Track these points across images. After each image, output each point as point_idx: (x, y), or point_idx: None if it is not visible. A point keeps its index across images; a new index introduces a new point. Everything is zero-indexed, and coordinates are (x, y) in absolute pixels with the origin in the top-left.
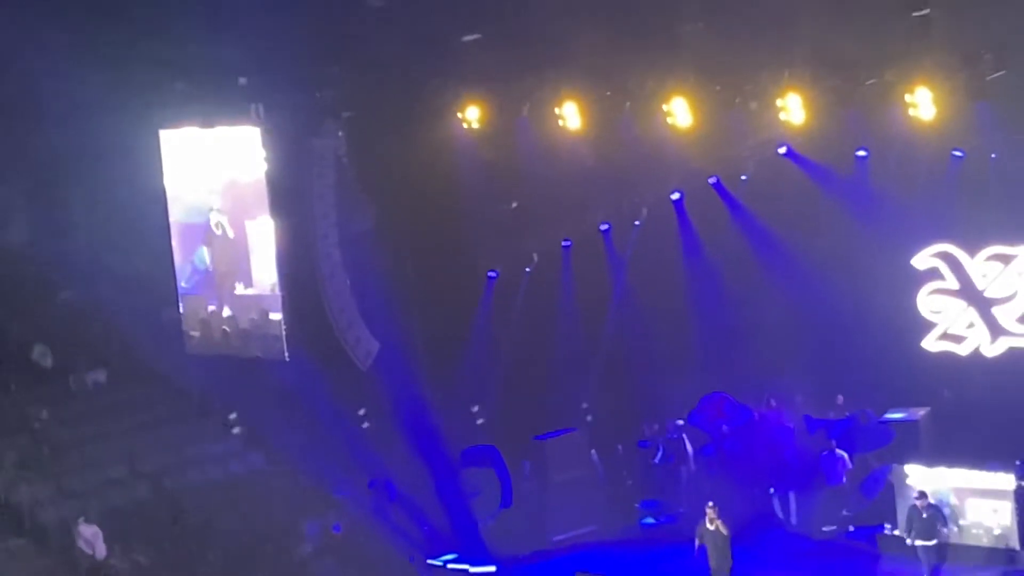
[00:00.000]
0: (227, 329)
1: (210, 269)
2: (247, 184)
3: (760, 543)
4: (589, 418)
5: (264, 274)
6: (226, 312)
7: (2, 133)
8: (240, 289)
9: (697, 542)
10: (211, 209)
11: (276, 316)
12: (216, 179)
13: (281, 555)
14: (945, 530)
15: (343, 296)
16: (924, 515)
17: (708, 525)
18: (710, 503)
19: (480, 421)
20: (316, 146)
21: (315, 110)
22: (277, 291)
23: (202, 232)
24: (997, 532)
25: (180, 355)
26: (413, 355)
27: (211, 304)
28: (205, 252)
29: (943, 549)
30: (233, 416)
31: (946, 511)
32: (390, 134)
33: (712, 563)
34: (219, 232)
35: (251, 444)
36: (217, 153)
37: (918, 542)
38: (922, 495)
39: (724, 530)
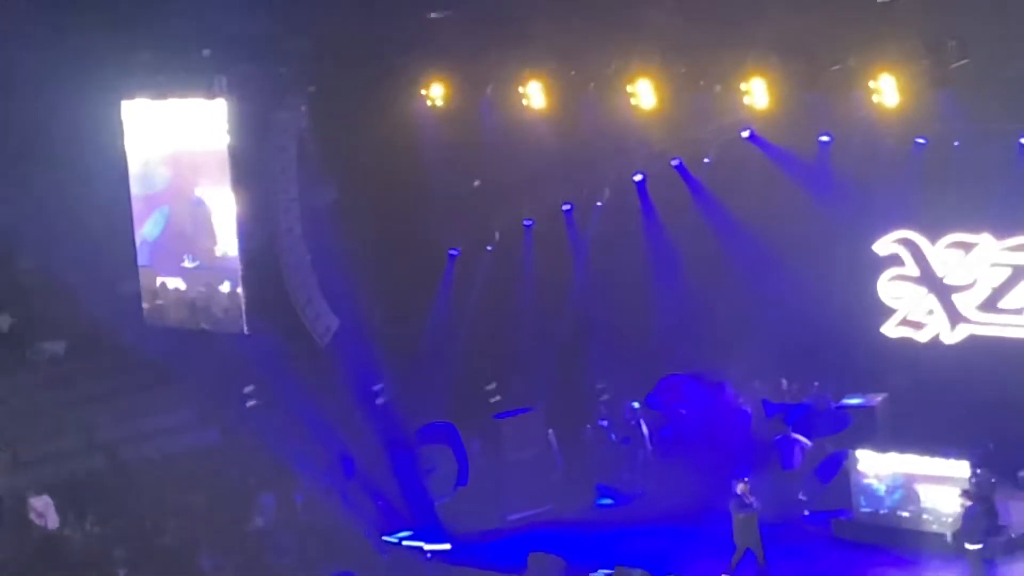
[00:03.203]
0: (185, 301)
1: (166, 241)
2: (209, 156)
3: (717, 525)
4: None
5: (224, 247)
6: (183, 285)
7: None
8: (199, 261)
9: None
10: (172, 181)
11: (236, 289)
12: (178, 151)
13: (236, 528)
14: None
15: (303, 271)
16: (964, 514)
17: (747, 499)
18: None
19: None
20: (279, 120)
21: (278, 84)
22: (237, 264)
23: (162, 203)
24: (948, 519)
25: (138, 327)
26: (373, 332)
27: (168, 276)
28: (161, 224)
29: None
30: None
31: (896, 495)
32: (354, 109)
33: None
34: (179, 205)
35: (208, 417)
36: (179, 125)
37: (967, 545)
38: (965, 493)
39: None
